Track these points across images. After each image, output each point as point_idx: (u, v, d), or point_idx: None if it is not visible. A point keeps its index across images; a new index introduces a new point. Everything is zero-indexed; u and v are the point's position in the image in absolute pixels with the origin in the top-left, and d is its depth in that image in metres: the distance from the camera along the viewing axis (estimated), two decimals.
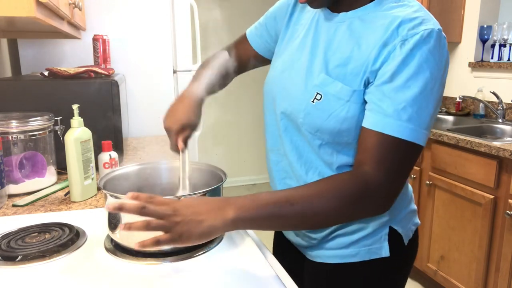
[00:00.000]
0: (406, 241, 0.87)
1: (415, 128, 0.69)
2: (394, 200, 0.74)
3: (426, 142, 0.72)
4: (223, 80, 1.00)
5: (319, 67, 0.78)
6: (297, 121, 0.80)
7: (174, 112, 0.91)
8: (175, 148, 0.90)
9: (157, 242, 0.64)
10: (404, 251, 0.88)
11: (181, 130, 0.88)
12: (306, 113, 0.78)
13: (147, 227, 0.64)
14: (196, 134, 2.41)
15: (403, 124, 0.68)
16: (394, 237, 0.85)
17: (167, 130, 0.90)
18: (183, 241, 0.65)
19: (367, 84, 0.73)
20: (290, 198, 0.69)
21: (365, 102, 0.74)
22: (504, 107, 2.41)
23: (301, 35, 0.86)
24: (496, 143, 1.85)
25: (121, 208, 0.64)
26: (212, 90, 0.97)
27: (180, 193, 0.90)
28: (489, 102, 2.53)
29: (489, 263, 1.93)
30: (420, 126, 0.69)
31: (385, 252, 0.84)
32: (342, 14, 0.79)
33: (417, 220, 0.92)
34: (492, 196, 1.87)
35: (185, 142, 0.89)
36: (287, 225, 0.74)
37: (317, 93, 0.76)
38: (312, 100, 0.77)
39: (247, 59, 1.03)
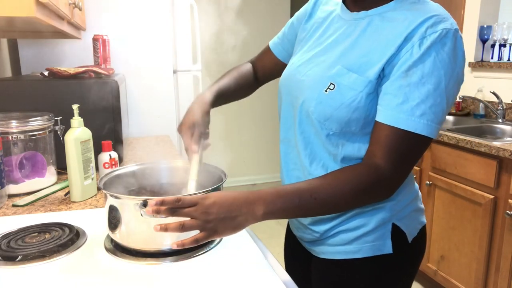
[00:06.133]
0: (410, 239, 0.88)
1: (428, 123, 0.72)
2: (399, 187, 0.79)
3: (437, 135, 0.75)
4: (241, 89, 1.05)
5: (335, 60, 0.81)
6: (308, 109, 0.83)
7: (185, 117, 0.93)
8: (186, 149, 0.91)
9: (196, 240, 0.69)
10: (408, 249, 0.88)
11: (190, 132, 0.90)
12: (317, 102, 0.80)
13: (183, 228, 0.68)
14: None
15: (416, 120, 0.72)
16: (397, 234, 0.86)
17: (180, 133, 0.92)
18: (218, 236, 0.70)
19: (382, 76, 0.76)
20: (312, 191, 0.74)
21: (377, 93, 0.77)
22: (504, 107, 2.41)
23: (318, 34, 0.90)
24: (496, 143, 1.85)
25: (158, 212, 0.68)
26: (226, 95, 1.00)
27: (184, 192, 0.90)
28: (489, 102, 2.53)
29: (489, 263, 1.93)
30: (433, 121, 0.72)
31: (387, 249, 0.85)
32: (362, 12, 0.82)
33: (423, 219, 0.92)
34: (492, 196, 1.87)
35: (197, 143, 0.90)
36: (310, 214, 0.79)
37: (331, 83, 0.79)
38: (325, 89, 0.79)
39: (271, 68, 1.08)
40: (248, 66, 1.09)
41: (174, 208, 0.68)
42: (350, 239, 0.86)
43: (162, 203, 0.68)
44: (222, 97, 0.98)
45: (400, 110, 0.72)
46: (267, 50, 1.08)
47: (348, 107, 0.77)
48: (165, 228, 0.68)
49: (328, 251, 0.89)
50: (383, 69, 0.75)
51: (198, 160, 0.90)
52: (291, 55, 1.02)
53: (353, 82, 0.77)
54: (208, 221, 0.68)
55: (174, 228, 0.68)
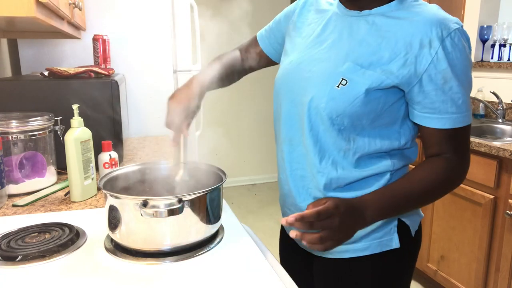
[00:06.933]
0: (413, 233, 0.91)
1: (469, 113, 0.82)
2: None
3: None
4: (230, 75, 1.07)
5: (343, 57, 0.82)
6: (318, 106, 0.83)
7: (178, 95, 0.97)
8: (175, 129, 0.95)
9: (324, 246, 0.74)
10: (411, 242, 0.92)
11: (185, 113, 0.94)
12: (329, 98, 0.81)
13: (321, 240, 0.73)
14: (196, 134, 2.41)
15: (465, 114, 0.81)
16: (402, 229, 0.89)
17: (170, 109, 0.95)
18: (338, 243, 0.77)
19: (407, 79, 0.78)
20: (408, 195, 0.82)
21: (397, 91, 0.81)
22: (504, 107, 2.41)
23: (316, 32, 0.90)
24: (496, 143, 1.85)
25: (295, 225, 0.72)
26: (217, 82, 1.01)
27: (179, 175, 0.96)
28: (489, 102, 2.53)
29: (489, 263, 1.93)
30: (470, 108, 0.82)
31: (395, 243, 0.88)
32: (365, 11, 0.83)
33: (421, 213, 0.96)
34: (492, 196, 1.87)
35: (188, 128, 0.96)
36: (406, 212, 0.89)
37: (342, 79, 0.81)
38: (337, 85, 0.81)
39: (256, 59, 1.09)
40: (237, 54, 1.10)
41: (313, 222, 0.72)
42: (358, 237, 0.87)
43: (302, 218, 0.71)
44: (214, 85, 1.01)
45: (453, 112, 0.79)
46: (254, 42, 1.09)
47: (361, 102, 0.79)
48: (302, 238, 0.73)
49: (335, 250, 0.89)
50: (407, 74, 0.78)
51: (186, 144, 0.96)
52: (277, 50, 1.03)
53: (365, 77, 0.79)
54: (336, 234, 0.74)
55: (311, 240, 0.73)
